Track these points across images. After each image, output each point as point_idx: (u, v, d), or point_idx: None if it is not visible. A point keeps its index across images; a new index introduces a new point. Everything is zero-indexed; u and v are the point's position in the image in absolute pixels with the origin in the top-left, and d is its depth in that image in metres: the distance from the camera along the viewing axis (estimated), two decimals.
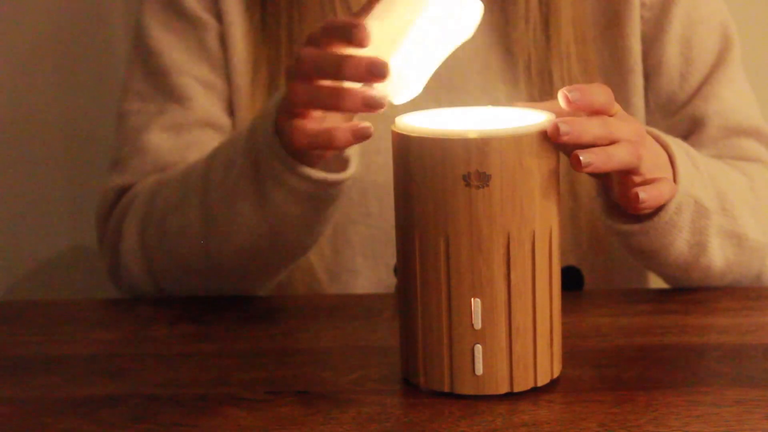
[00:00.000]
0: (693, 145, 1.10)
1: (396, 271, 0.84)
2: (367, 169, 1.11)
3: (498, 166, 0.77)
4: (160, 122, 1.14)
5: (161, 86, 1.15)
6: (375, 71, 0.79)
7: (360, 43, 0.80)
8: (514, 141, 0.78)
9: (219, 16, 1.15)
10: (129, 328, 1.00)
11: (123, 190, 1.14)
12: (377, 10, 0.82)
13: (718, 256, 1.02)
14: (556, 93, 1.06)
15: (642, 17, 1.14)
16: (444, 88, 1.13)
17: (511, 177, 0.78)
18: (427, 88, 1.13)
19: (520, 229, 0.79)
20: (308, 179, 0.94)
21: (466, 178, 0.77)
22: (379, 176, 1.12)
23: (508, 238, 0.79)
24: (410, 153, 0.79)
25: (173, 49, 1.15)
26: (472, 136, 0.77)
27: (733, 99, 1.15)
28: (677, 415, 0.78)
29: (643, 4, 1.14)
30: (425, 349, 0.82)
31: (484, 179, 0.77)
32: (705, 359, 0.87)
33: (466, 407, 0.80)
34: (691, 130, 1.15)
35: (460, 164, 0.77)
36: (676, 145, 0.96)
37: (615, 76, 1.14)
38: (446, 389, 0.81)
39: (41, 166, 1.58)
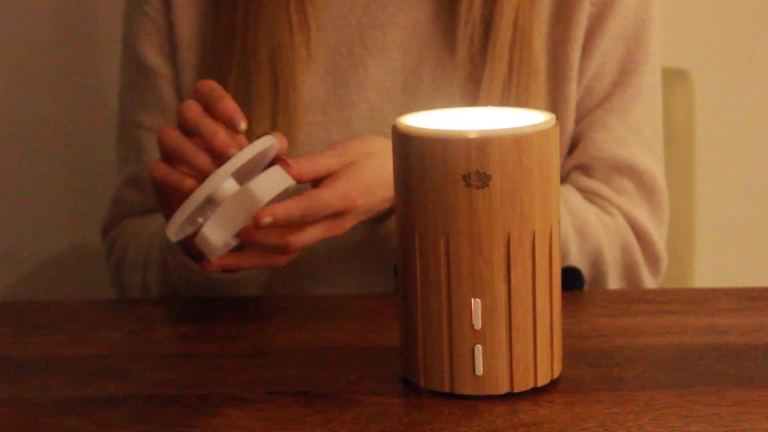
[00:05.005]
0: (569, 163, 1.15)
1: (396, 271, 0.85)
2: None
3: (498, 166, 0.77)
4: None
5: (126, 137, 1.22)
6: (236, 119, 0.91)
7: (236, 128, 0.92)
8: (514, 141, 0.78)
9: (174, 64, 1.17)
10: (129, 328, 1.00)
11: (132, 179, 1.21)
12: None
13: None
14: (481, 98, 1.09)
15: (588, 16, 1.14)
16: (399, 89, 1.13)
17: (511, 177, 0.78)
18: (385, 90, 1.14)
19: (520, 229, 0.79)
20: (205, 277, 1.04)
21: (466, 178, 0.77)
22: None
23: (508, 238, 0.79)
24: (410, 153, 0.79)
25: (133, 103, 1.20)
26: (472, 136, 0.77)
27: (620, 129, 1.15)
28: (677, 415, 0.78)
29: (592, 4, 1.14)
30: (425, 350, 0.82)
31: (484, 179, 0.77)
32: (705, 359, 0.87)
33: (466, 407, 0.80)
34: (570, 150, 1.17)
35: (460, 164, 0.77)
36: None
37: (552, 83, 1.14)
38: (446, 389, 0.81)
39: (41, 166, 1.59)
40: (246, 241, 0.94)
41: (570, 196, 1.13)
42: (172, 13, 1.16)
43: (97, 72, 1.56)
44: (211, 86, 0.93)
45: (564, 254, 1.08)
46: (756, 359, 0.87)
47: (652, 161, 1.16)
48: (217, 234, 0.89)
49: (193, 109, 0.92)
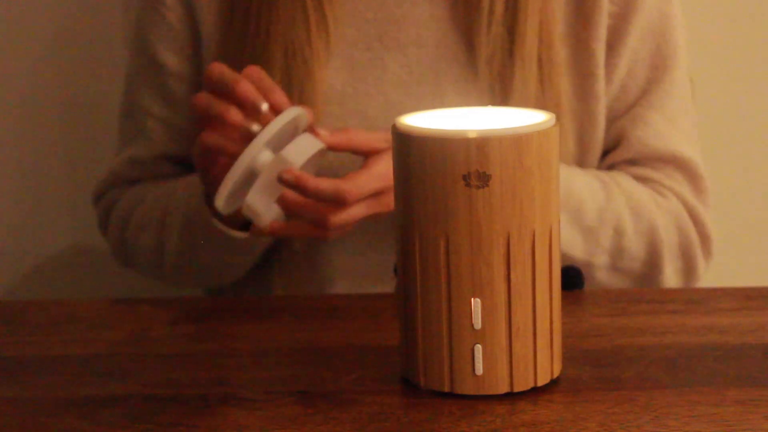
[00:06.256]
0: (614, 158, 1.18)
1: (396, 271, 0.85)
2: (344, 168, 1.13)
3: (498, 166, 0.77)
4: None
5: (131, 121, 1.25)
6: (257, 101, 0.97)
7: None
8: (514, 141, 0.78)
9: (188, 61, 1.19)
10: (129, 328, 1.00)
11: (135, 159, 1.22)
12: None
13: None
14: (515, 95, 1.09)
15: (610, 14, 1.14)
16: (416, 83, 1.13)
17: (511, 177, 0.78)
18: (402, 84, 1.14)
19: (520, 229, 0.79)
20: (226, 237, 1.08)
21: (466, 178, 0.77)
22: None
23: (508, 238, 0.79)
24: (410, 153, 0.79)
25: (141, 89, 1.22)
26: (472, 136, 0.77)
27: (660, 123, 1.16)
28: (677, 415, 0.78)
29: (612, 1, 1.14)
30: (425, 349, 0.82)
31: (484, 179, 0.77)
32: (705, 359, 0.87)
33: (466, 407, 0.80)
34: (614, 146, 1.19)
35: (460, 164, 0.77)
36: None
37: (577, 80, 1.14)
38: (446, 389, 0.81)
39: (41, 166, 1.59)
40: (286, 212, 1.01)
41: (623, 179, 1.15)
42: (193, 12, 1.16)
43: (98, 72, 1.55)
44: (222, 72, 0.99)
45: (620, 234, 1.12)
46: (756, 359, 0.87)
47: (693, 150, 1.19)
48: (259, 201, 0.96)
49: (217, 66, 0.99)
